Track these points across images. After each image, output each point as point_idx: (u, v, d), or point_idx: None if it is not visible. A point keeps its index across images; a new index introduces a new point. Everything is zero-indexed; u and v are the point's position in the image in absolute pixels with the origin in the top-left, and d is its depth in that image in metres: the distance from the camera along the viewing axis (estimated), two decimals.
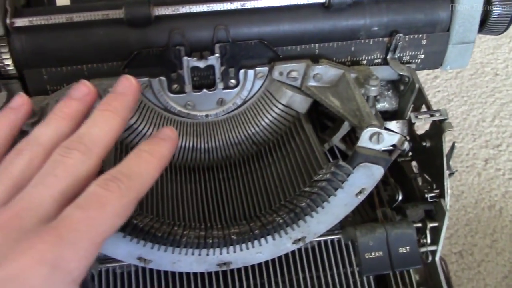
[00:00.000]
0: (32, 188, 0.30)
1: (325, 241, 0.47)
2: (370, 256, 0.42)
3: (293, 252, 0.47)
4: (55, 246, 0.27)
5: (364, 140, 0.40)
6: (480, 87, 0.76)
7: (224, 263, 0.43)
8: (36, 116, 0.42)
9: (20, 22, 0.43)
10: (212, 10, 0.45)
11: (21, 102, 0.37)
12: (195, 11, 0.45)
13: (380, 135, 0.40)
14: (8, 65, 0.44)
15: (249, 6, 0.45)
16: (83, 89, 0.36)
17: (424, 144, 0.48)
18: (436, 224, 0.46)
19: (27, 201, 0.29)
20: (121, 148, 0.45)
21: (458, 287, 0.62)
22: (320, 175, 0.41)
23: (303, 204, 0.41)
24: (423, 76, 0.77)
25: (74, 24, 0.43)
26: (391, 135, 0.40)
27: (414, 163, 0.52)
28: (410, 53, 0.50)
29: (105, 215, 0.29)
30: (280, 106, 0.48)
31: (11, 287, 0.26)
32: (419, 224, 0.46)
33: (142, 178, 0.32)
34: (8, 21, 0.43)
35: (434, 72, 0.76)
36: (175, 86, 0.46)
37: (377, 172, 0.41)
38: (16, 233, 0.27)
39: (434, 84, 0.77)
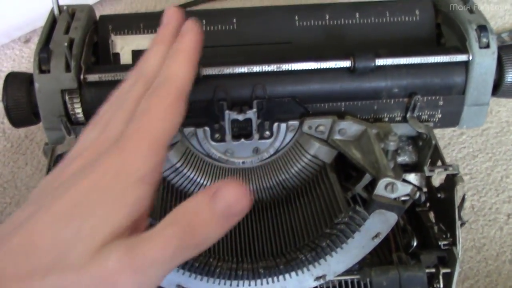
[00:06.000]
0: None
1: (346, 281, 0.51)
2: None
3: None
4: (118, 157, 0.33)
5: (380, 189, 0.46)
6: (505, 145, 0.80)
7: None
8: None
9: (91, 77, 0.51)
10: (252, 71, 0.52)
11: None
12: (237, 71, 0.52)
13: (394, 185, 0.45)
14: (78, 113, 0.52)
15: (284, 69, 0.52)
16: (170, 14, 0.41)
17: (439, 195, 0.52)
18: (448, 270, 0.49)
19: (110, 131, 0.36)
20: (167, 188, 0.52)
21: None
22: (340, 219, 0.46)
23: (324, 244, 0.46)
24: (449, 132, 0.81)
25: None
26: (404, 186, 0.46)
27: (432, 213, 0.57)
28: (428, 113, 0.55)
29: (153, 121, 0.34)
30: (308, 156, 0.54)
31: (91, 196, 0.32)
32: (433, 270, 0.50)
33: (177, 78, 0.37)
34: (82, 76, 0.51)
35: (460, 128, 0.80)
36: (217, 135, 0.53)
37: (392, 218, 0.46)
38: (96, 154, 0.34)
39: (460, 140, 0.81)
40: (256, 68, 0.52)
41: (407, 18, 0.59)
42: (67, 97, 0.51)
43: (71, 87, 0.51)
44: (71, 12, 0.58)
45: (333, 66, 0.52)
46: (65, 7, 0.58)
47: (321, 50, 0.57)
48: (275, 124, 0.53)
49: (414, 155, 0.57)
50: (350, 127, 0.53)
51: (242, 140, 0.53)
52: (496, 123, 0.83)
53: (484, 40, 0.53)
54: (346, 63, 0.52)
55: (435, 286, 0.50)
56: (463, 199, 0.49)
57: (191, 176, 0.53)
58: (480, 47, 0.53)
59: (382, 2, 0.60)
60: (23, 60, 0.94)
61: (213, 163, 0.54)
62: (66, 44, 0.51)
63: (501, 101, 0.86)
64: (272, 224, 0.52)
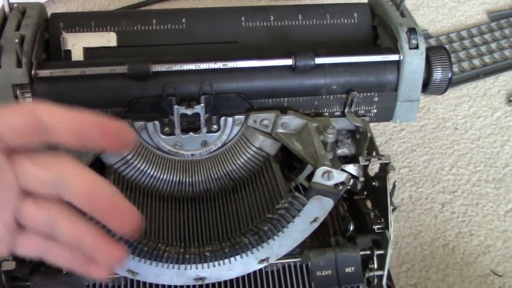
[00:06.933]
0: None
1: (289, 264, 0.55)
2: (321, 274, 0.50)
3: (260, 273, 0.55)
4: None
5: (318, 177, 0.49)
6: (441, 140, 0.86)
7: (200, 278, 0.51)
8: None
9: (43, 73, 0.53)
10: (199, 68, 0.55)
11: None
12: (185, 68, 0.55)
13: (330, 173, 0.49)
14: None
15: (229, 66, 0.55)
16: None
17: (374, 184, 0.57)
18: (382, 252, 0.54)
19: None
20: (118, 179, 0.54)
21: None
22: (280, 204, 0.49)
23: (266, 228, 0.49)
24: (390, 128, 0.86)
25: (86, 76, 0.53)
26: (339, 174, 0.50)
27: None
28: (364, 108, 0.60)
29: None
30: (253, 149, 0.57)
31: None
32: (368, 252, 0.54)
33: None
34: (33, 72, 0.53)
35: (400, 125, 0.86)
36: (166, 129, 0.56)
37: (328, 203, 0.50)
38: None
39: (400, 135, 0.86)
40: (203, 65, 0.55)
41: (346, 21, 0.64)
42: (18, 92, 0.53)
43: (22, 82, 0.53)
44: (22, 10, 0.59)
45: (276, 64, 0.56)
46: (15, 5, 0.59)
47: (265, 49, 0.61)
48: (222, 118, 0.56)
49: (352, 147, 0.61)
50: (292, 121, 0.56)
51: (191, 133, 0.56)
52: (433, 120, 0.89)
53: (414, 41, 0.58)
54: (288, 62, 0.56)
55: (370, 267, 0.54)
56: (393, 186, 0.54)
57: (142, 167, 0.56)
58: (410, 48, 0.58)
59: (323, 5, 0.65)
60: None
61: (163, 156, 0.57)
62: (17, 40, 0.53)
63: (438, 99, 0.92)
64: (219, 212, 0.55)
